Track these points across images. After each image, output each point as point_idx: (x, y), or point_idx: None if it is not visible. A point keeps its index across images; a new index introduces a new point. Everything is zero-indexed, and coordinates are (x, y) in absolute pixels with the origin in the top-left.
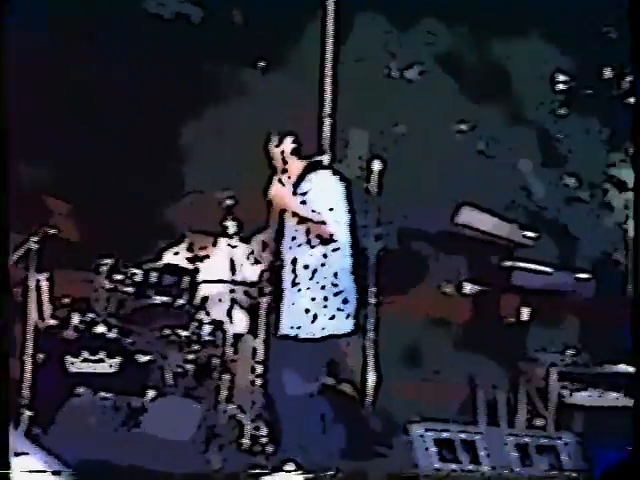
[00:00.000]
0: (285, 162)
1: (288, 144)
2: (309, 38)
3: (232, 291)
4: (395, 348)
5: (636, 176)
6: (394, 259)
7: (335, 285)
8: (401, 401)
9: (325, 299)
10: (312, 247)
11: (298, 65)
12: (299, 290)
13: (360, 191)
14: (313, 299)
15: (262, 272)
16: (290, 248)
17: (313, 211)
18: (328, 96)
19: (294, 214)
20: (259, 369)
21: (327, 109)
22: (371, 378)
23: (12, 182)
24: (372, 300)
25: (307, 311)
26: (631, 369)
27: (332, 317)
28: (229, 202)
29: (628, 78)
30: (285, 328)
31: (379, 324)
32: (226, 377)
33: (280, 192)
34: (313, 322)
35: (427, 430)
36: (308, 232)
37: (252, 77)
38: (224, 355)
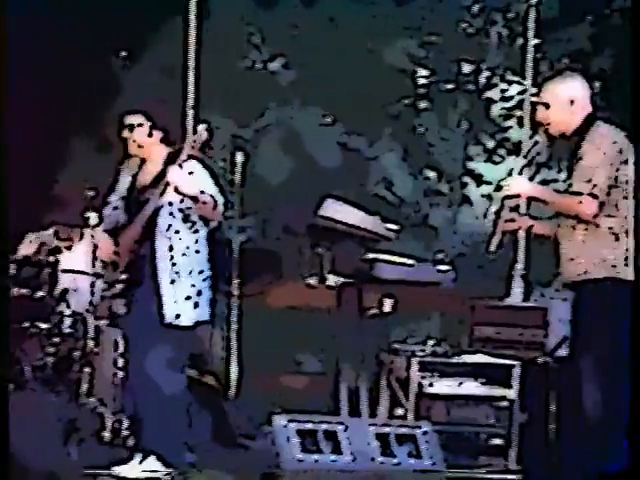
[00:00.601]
0: (149, 150)
1: (158, 134)
2: (171, 28)
3: (92, 284)
4: (258, 340)
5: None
6: (258, 251)
7: (202, 272)
8: (264, 392)
9: (199, 285)
10: (194, 232)
11: (160, 55)
12: (179, 277)
13: (224, 183)
14: (193, 285)
15: (113, 262)
16: (167, 235)
17: (202, 192)
18: (191, 87)
19: (186, 197)
20: (121, 362)
21: (190, 100)
22: (234, 370)
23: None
24: (235, 291)
25: (188, 298)
26: (489, 359)
27: (205, 303)
28: (90, 194)
29: (485, 73)
30: (169, 317)
31: (242, 316)
32: (87, 370)
33: (179, 176)
34: (194, 309)
35: (290, 421)
36: (186, 218)
37: (114, 66)
38: (85, 348)
